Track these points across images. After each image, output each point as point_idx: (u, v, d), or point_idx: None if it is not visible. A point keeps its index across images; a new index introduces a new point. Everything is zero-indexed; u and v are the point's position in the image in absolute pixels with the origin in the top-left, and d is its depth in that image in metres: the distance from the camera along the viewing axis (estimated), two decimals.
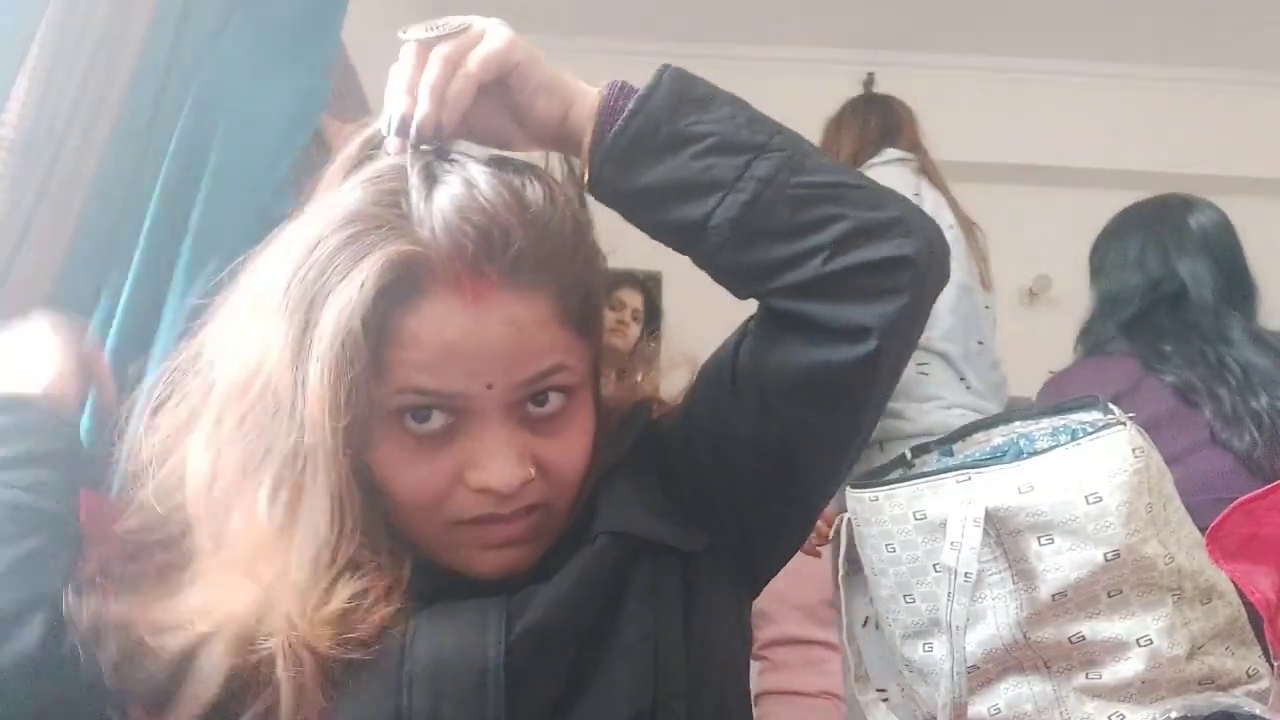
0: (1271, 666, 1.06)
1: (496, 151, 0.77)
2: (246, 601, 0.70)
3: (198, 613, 0.70)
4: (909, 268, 0.70)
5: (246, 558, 0.70)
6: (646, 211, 0.75)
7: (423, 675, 0.69)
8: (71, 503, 0.78)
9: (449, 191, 0.70)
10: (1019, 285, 3.59)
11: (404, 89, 0.74)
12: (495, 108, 0.76)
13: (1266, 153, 3.39)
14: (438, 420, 0.71)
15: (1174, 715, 1.09)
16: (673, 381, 0.87)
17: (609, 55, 2.96)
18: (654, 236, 0.76)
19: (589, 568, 0.73)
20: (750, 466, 0.78)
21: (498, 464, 0.71)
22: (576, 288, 0.73)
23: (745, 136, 0.73)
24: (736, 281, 0.74)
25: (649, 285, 2.97)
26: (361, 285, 0.67)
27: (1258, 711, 1.06)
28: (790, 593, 2.99)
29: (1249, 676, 1.11)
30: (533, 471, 0.72)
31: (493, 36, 0.75)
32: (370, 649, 0.70)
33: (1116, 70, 3.42)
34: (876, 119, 2.40)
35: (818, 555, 1.94)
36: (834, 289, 0.71)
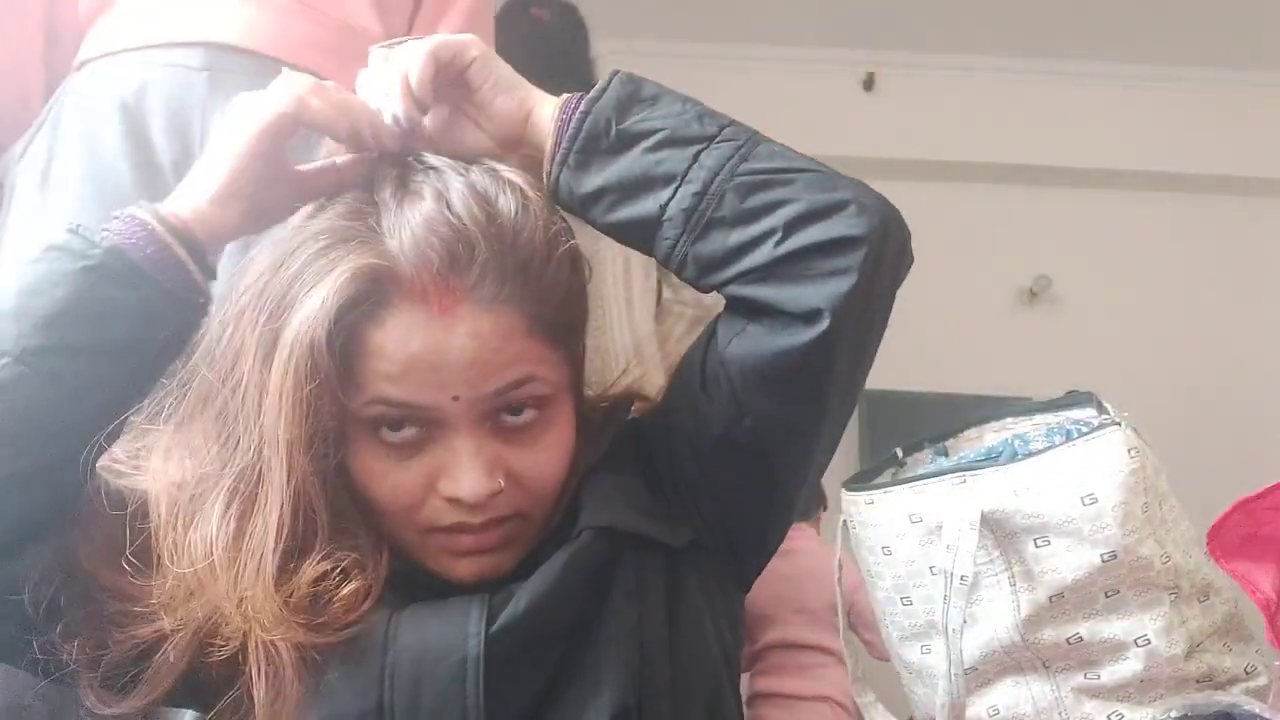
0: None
1: (491, 162, 0.79)
2: (207, 602, 0.70)
3: (163, 605, 0.71)
4: (858, 247, 0.71)
5: (202, 570, 0.70)
6: (605, 212, 0.76)
7: (404, 666, 0.70)
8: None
9: (419, 205, 0.72)
10: (1019, 285, 3.59)
11: (374, 87, 0.78)
12: (460, 118, 0.80)
13: (1266, 153, 3.40)
14: (410, 430, 0.73)
15: (1173, 715, 1.09)
16: (655, 378, 0.89)
17: (608, 55, 2.96)
18: (618, 239, 0.78)
19: (572, 563, 0.74)
20: (725, 461, 0.78)
21: (467, 475, 0.72)
22: (549, 298, 0.74)
23: (695, 129, 0.75)
24: (697, 274, 0.75)
25: None
26: (324, 299, 0.68)
27: (1257, 710, 1.06)
28: (792, 597, 2.99)
29: (1247, 674, 1.12)
30: (502, 483, 0.74)
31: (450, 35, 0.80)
32: (343, 632, 0.71)
33: (1116, 70, 3.42)
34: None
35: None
36: (787, 272, 0.71)
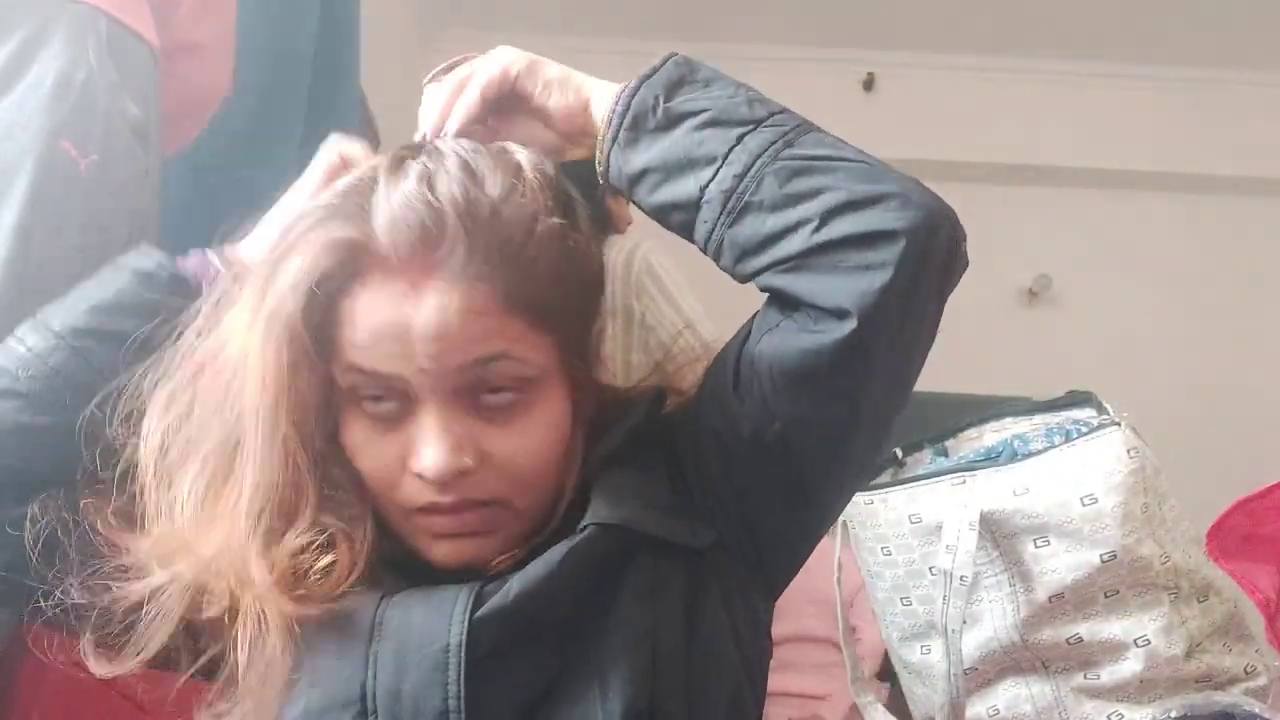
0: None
1: (504, 143, 0.79)
2: (194, 561, 0.71)
3: (154, 558, 0.72)
4: (895, 241, 0.67)
5: (185, 528, 0.72)
6: (649, 193, 0.75)
7: (388, 653, 0.69)
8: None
9: (404, 183, 0.73)
10: (1019, 285, 3.59)
11: (421, 118, 0.81)
12: (527, 121, 0.81)
13: (1266, 153, 3.39)
14: (389, 402, 0.72)
15: (1173, 715, 1.09)
16: (691, 373, 0.85)
17: (609, 55, 2.96)
18: (662, 224, 0.76)
19: (570, 556, 0.71)
20: (753, 465, 0.75)
21: (429, 450, 0.71)
22: (532, 277, 0.72)
23: (743, 112, 0.73)
24: (732, 260, 0.73)
25: None
26: (299, 269, 0.71)
27: (1257, 710, 1.06)
28: (805, 584, 2.89)
29: (1247, 674, 1.12)
30: (469, 461, 0.72)
31: (488, 59, 0.80)
32: (326, 605, 0.71)
33: (1116, 70, 3.42)
34: None
35: None
36: (820, 264, 0.68)
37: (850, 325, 0.67)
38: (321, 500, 0.73)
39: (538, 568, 0.71)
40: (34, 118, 1.01)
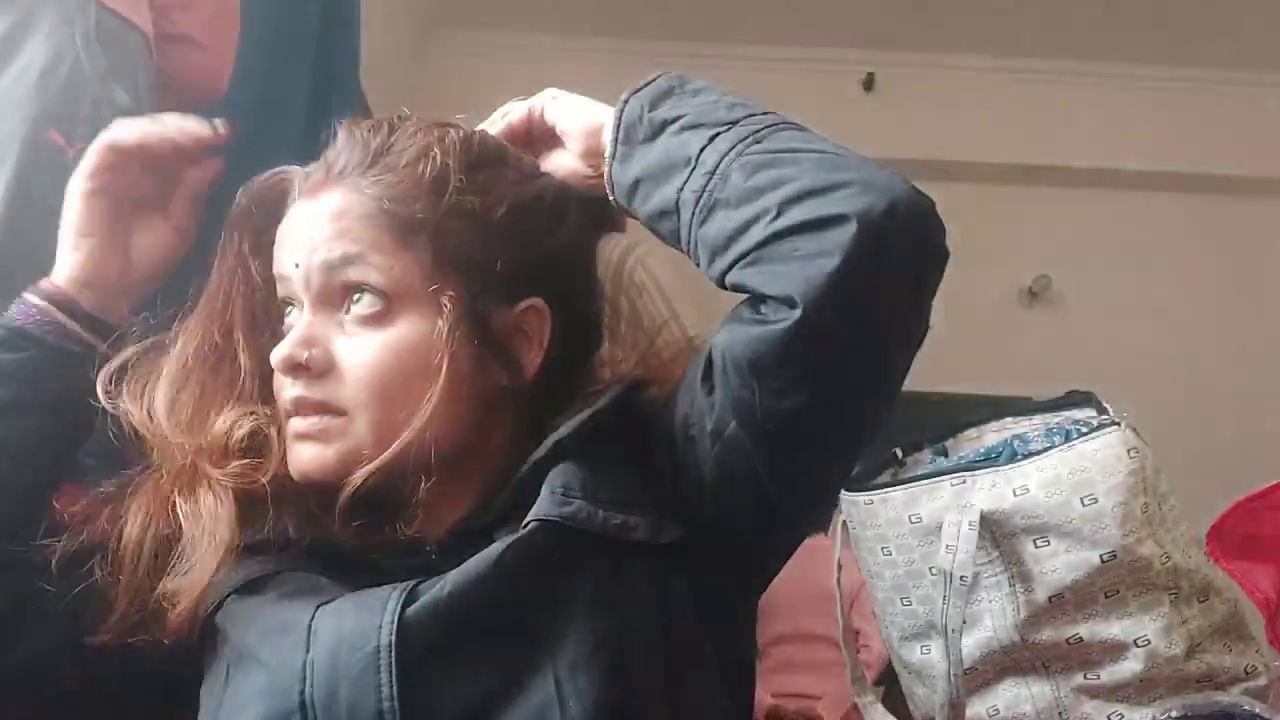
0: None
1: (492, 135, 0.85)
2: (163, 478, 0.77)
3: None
4: (843, 225, 0.64)
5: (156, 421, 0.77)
6: (642, 204, 0.75)
7: (322, 660, 0.68)
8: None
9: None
10: (1019, 285, 3.59)
11: None
12: (557, 153, 0.84)
13: (1266, 153, 3.39)
14: (294, 313, 0.78)
15: (1173, 715, 1.09)
16: (676, 365, 0.82)
17: (609, 55, 2.96)
18: (659, 236, 0.77)
19: (509, 555, 0.69)
20: (718, 459, 0.73)
21: (285, 342, 0.76)
22: (411, 199, 0.76)
23: (720, 115, 0.73)
24: (706, 262, 0.72)
25: None
26: (252, 197, 0.82)
27: (1257, 710, 1.06)
28: (802, 577, 2.87)
29: (1247, 674, 1.12)
30: (304, 355, 0.75)
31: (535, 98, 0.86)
32: (250, 477, 0.75)
33: (1116, 70, 3.42)
34: None
35: None
36: (775, 253, 0.66)
37: (795, 315, 0.65)
38: (266, 394, 0.79)
39: (474, 564, 0.69)
40: (20, 106, 1.01)
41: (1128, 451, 1.10)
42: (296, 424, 0.76)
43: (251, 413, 0.78)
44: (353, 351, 0.75)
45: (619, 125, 0.76)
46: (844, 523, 1.26)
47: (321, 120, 0.88)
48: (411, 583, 0.70)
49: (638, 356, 0.85)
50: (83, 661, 0.75)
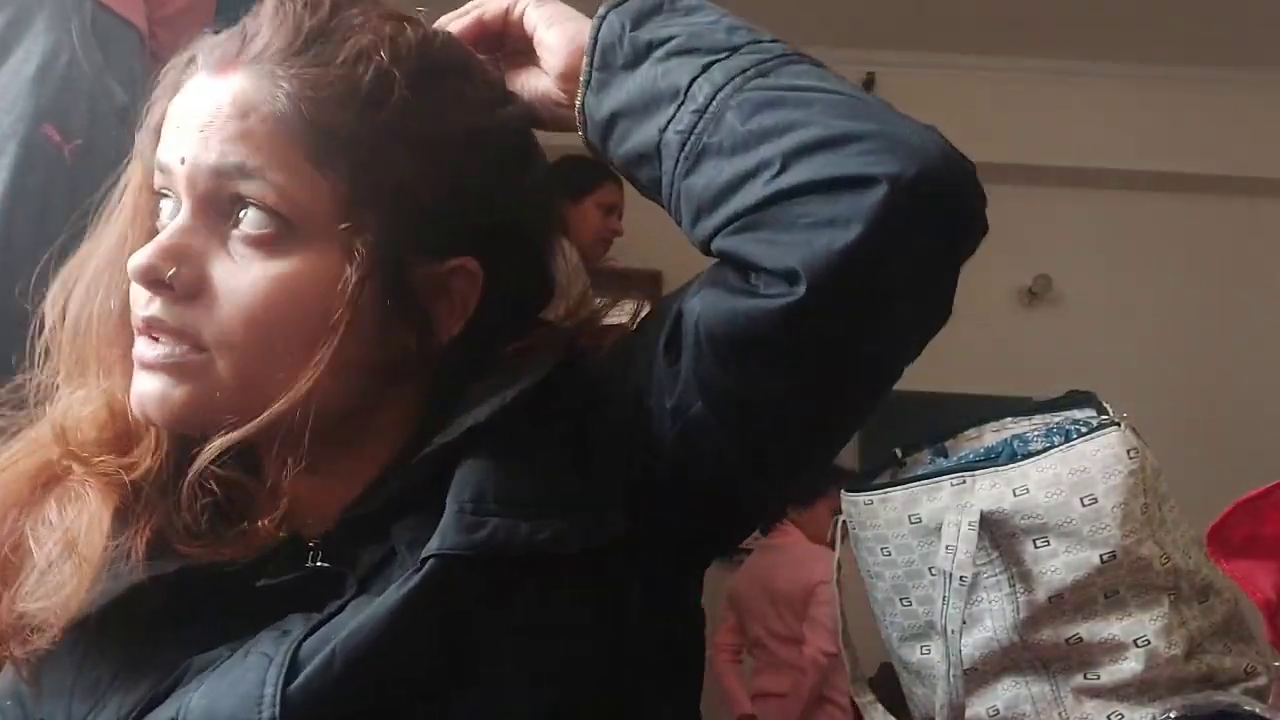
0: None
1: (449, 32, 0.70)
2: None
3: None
4: (867, 190, 0.52)
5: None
6: (618, 145, 0.62)
7: None
8: None
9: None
10: (1019, 285, 3.59)
11: None
12: (527, 64, 0.70)
13: (1266, 153, 3.39)
14: (169, 212, 0.63)
15: (1173, 715, 1.09)
16: (610, 324, 0.72)
17: None
18: (635, 185, 0.64)
19: (410, 601, 0.55)
20: (675, 437, 0.61)
21: (144, 247, 0.61)
22: (333, 110, 0.60)
23: (718, 39, 0.59)
24: (689, 221, 0.59)
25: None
26: (160, 84, 0.66)
27: (1257, 710, 1.06)
28: (763, 577, 2.99)
29: (1247, 674, 1.12)
30: (165, 267, 0.59)
31: None
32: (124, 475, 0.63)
33: (1116, 70, 3.42)
34: None
35: None
36: (776, 217, 0.54)
37: (796, 292, 0.53)
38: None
39: (368, 625, 0.55)
40: (16, 103, 1.00)
41: (1127, 452, 1.10)
42: (143, 350, 0.61)
43: (109, 390, 0.64)
44: (234, 278, 0.60)
45: (594, 46, 0.62)
46: (843, 523, 1.26)
47: None
48: (291, 642, 0.56)
49: (567, 311, 0.72)
50: None
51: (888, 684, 1.33)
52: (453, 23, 0.70)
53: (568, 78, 0.65)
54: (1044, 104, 3.42)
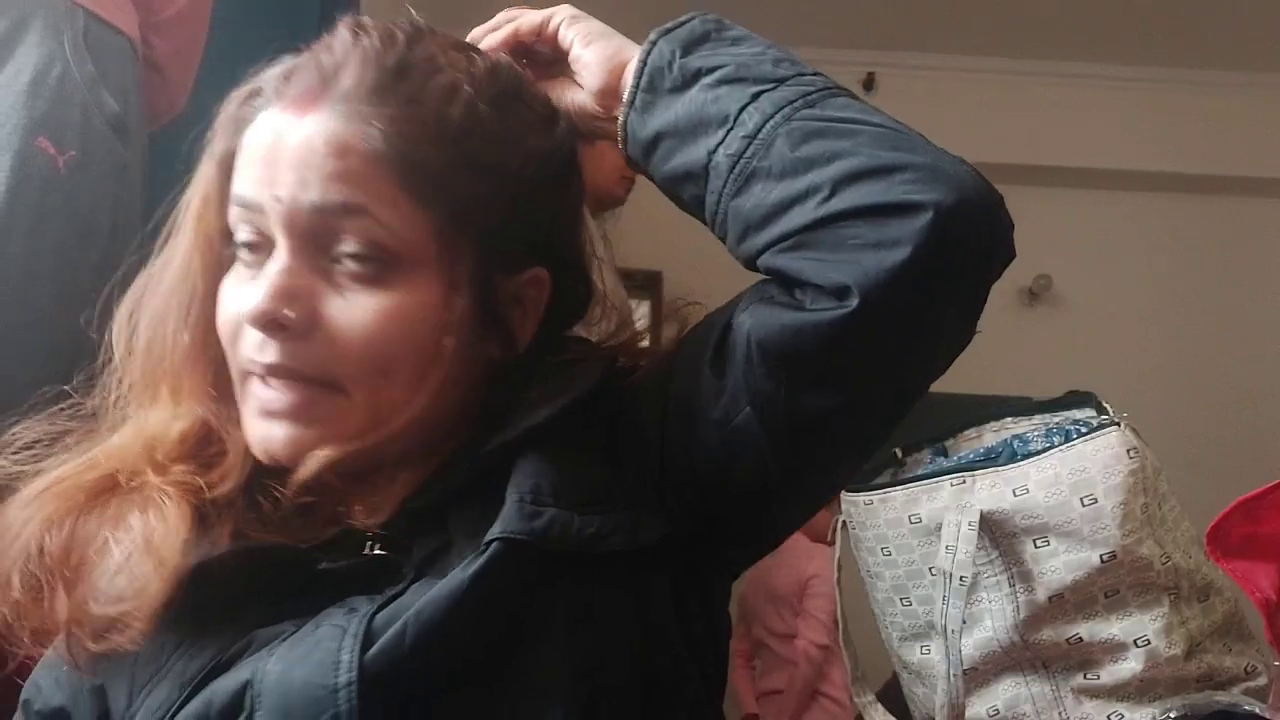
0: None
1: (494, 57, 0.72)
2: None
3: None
4: (915, 215, 0.57)
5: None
6: (662, 162, 0.67)
7: (269, 703, 0.58)
8: None
9: (334, 30, 0.68)
10: (1019, 285, 3.59)
11: None
12: (562, 82, 0.74)
13: (1266, 153, 3.40)
14: (259, 253, 0.65)
15: (1173, 714, 1.09)
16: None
17: None
18: (678, 203, 0.69)
19: (476, 581, 0.59)
20: (718, 448, 0.65)
21: (257, 291, 0.63)
22: (426, 142, 0.64)
23: (765, 70, 0.64)
24: (736, 238, 0.64)
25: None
26: (224, 114, 0.67)
27: (1257, 710, 1.06)
28: (762, 580, 3.00)
29: (1247, 674, 1.12)
30: (289, 313, 0.62)
31: (546, 10, 0.74)
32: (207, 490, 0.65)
33: (1116, 70, 3.42)
34: None
35: None
36: (826, 239, 0.59)
37: (850, 306, 0.58)
38: (220, 381, 0.67)
39: (438, 601, 0.58)
40: (10, 115, 1.00)
41: (1127, 451, 1.10)
42: (266, 396, 0.64)
43: (212, 397, 0.67)
44: (347, 313, 0.63)
45: (643, 69, 0.66)
46: (843, 523, 1.26)
47: None
48: (363, 617, 0.59)
49: (612, 329, 0.77)
50: None
51: (894, 701, 1.32)
52: (488, 36, 0.73)
53: (606, 94, 0.70)
54: (1044, 104, 3.42)
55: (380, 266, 0.63)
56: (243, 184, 0.65)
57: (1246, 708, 1.06)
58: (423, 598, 0.59)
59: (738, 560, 0.74)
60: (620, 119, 0.68)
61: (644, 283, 3.14)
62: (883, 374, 0.63)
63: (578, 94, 0.72)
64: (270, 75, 0.67)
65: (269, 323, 0.62)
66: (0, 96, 1.01)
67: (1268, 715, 1.04)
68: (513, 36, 0.73)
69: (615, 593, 0.63)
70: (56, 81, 1.03)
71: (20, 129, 1.00)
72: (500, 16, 0.74)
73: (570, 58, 0.72)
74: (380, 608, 0.60)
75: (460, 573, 0.59)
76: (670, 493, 0.67)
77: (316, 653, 0.58)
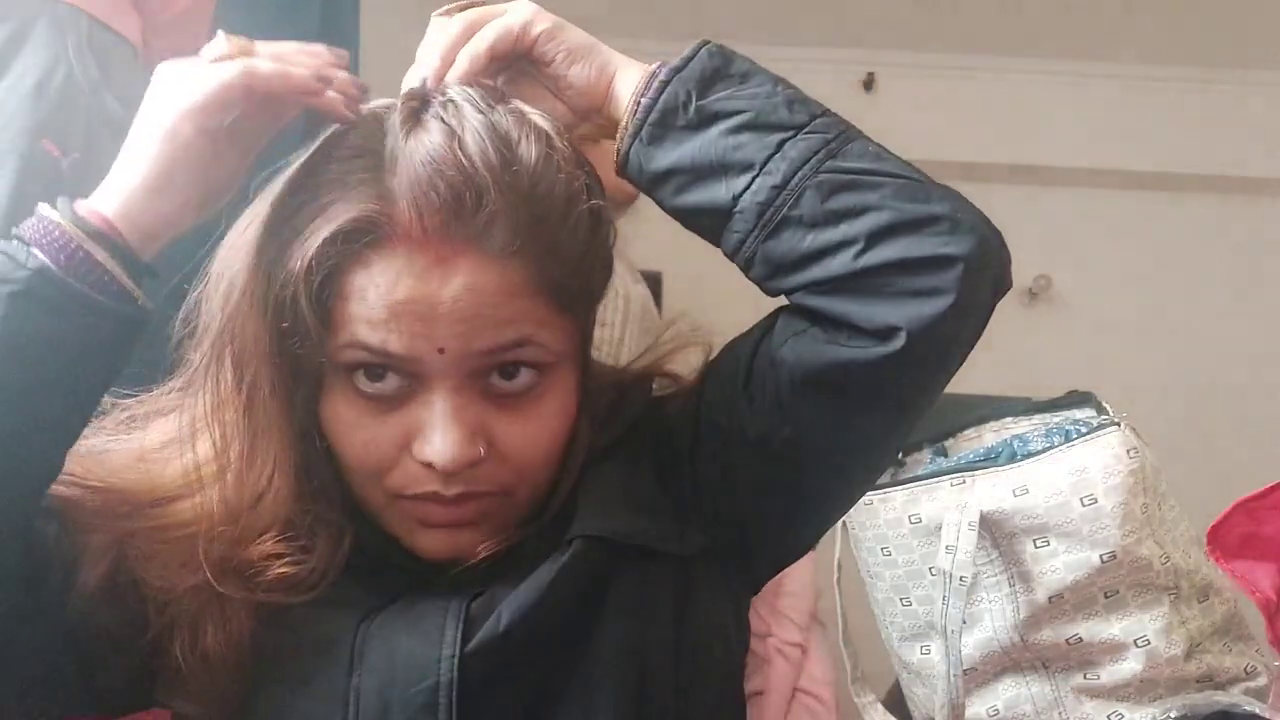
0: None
1: (517, 102, 0.72)
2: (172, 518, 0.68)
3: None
4: (952, 267, 0.64)
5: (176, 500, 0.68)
6: (674, 194, 0.70)
7: (370, 691, 0.65)
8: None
9: (427, 141, 0.65)
10: (1019, 285, 3.56)
11: (420, 55, 0.73)
12: (535, 87, 0.74)
13: (1266, 153, 3.39)
14: (392, 382, 0.66)
15: (1173, 714, 1.09)
16: (684, 361, 0.81)
17: None
18: (684, 224, 0.72)
19: (561, 576, 0.67)
20: (754, 468, 0.72)
21: (443, 437, 0.65)
22: (563, 257, 0.67)
23: (783, 115, 0.68)
24: (764, 275, 0.69)
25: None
26: (308, 238, 0.65)
27: (1257, 710, 1.06)
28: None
29: (1247, 674, 1.12)
30: (482, 451, 0.66)
31: (510, 11, 0.73)
32: (268, 594, 0.66)
33: (1115, 70, 3.42)
34: None
35: None
36: (864, 286, 0.65)
37: (896, 345, 0.65)
38: (301, 488, 0.68)
39: (529, 592, 0.67)
40: (14, 117, 1.01)
41: (1127, 452, 1.10)
42: (442, 514, 0.69)
43: (292, 529, 0.68)
44: (514, 431, 0.68)
45: (654, 106, 0.69)
46: (844, 523, 1.26)
47: (321, 122, 0.86)
48: (462, 604, 0.67)
49: (648, 352, 0.83)
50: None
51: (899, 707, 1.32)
52: (466, 59, 0.71)
53: (589, 113, 0.73)
54: (1044, 104, 3.41)
55: (540, 380, 0.69)
56: (388, 337, 0.64)
57: (1246, 708, 1.07)
58: (514, 591, 0.67)
59: (761, 573, 0.80)
60: (622, 146, 0.71)
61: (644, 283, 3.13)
62: (919, 398, 0.71)
63: (552, 105, 0.74)
64: (388, 210, 0.64)
65: (464, 466, 0.66)
66: (5, 100, 1.02)
67: (1268, 715, 1.04)
68: (489, 56, 0.71)
69: (662, 592, 0.71)
70: (60, 85, 1.04)
71: (25, 132, 1.01)
72: (463, 16, 0.73)
73: (552, 74, 0.73)
74: (474, 598, 0.68)
75: (548, 567, 0.67)
76: (704, 511, 0.74)
77: (421, 624, 0.66)
